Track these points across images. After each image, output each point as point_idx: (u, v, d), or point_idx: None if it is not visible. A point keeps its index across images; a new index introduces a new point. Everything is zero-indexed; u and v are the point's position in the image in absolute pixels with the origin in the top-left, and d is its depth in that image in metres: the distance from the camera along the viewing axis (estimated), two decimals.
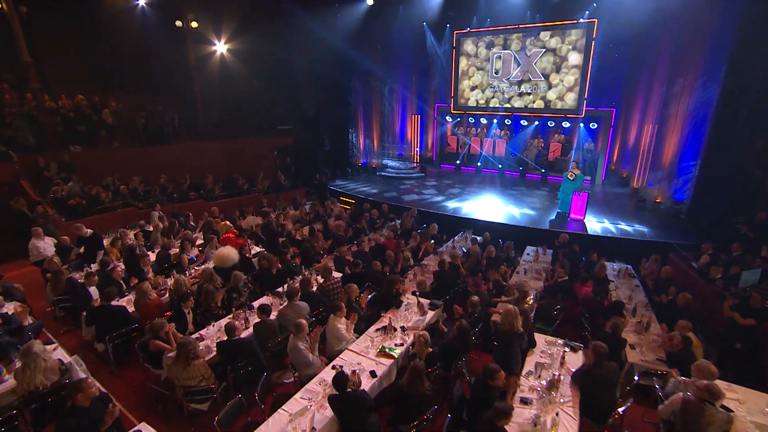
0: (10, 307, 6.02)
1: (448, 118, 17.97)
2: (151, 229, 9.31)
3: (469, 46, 16.71)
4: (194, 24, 14.95)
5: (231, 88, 16.88)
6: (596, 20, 13.72)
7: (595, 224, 10.22)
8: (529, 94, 15.74)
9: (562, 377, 4.30)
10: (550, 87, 15.27)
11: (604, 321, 5.46)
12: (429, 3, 15.72)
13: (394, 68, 17.75)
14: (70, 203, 10.62)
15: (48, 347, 5.02)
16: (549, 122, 15.80)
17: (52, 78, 14.02)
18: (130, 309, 6.01)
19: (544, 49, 15.06)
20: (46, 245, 8.57)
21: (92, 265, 7.55)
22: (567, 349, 4.94)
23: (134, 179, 12.33)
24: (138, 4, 14.40)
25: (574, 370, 4.46)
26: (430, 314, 5.95)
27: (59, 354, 5.08)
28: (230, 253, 6.97)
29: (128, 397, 5.26)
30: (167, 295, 6.34)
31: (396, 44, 16.84)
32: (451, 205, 12.20)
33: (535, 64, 15.33)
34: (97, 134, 13.43)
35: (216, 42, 16.08)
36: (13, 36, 11.39)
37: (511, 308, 4.82)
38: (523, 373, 4.56)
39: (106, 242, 8.64)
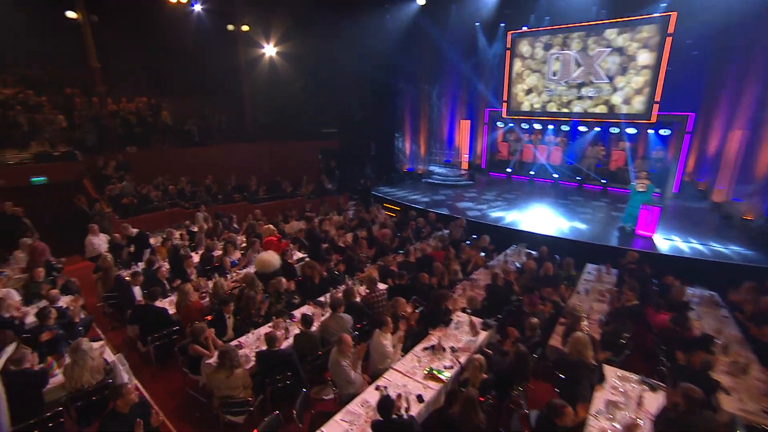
0: (66, 300, 6.28)
1: (499, 123, 17.41)
2: (196, 229, 9.53)
3: (524, 47, 16.12)
4: (245, 27, 15.44)
5: (278, 91, 17.31)
6: (674, 13, 12.63)
7: (666, 242, 9.35)
8: (591, 97, 14.89)
9: (641, 422, 3.78)
10: (614, 90, 14.36)
11: (685, 356, 4.83)
12: (483, 1, 15.34)
13: (443, 71, 17.48)
14: (124, 202, 11.15)
15: (95, 344, 5.15)
16: (612, 128, 14.83)
17: (114, 82, 15.00)
18: (172, 311, 6.08)
19: (609, 49, 14.18)
20: (101, 242, 8.98)
21: (139, 264, 7.77)
22: (645, 387, 4.39)
23: (182, 179, 12.83)
24: (194, 9, 15.05)
25: (654, 413, 3.93)
26: (483, 335, 5.57)
27: (105, 352, 5.19)
28: (272, 258, 6.94)
29: (166, 402, 5.28)
30: (208, 298, 6.36)
31: (446, 46, 16.55)
32: (502, 215, 11.68)
33: (598, 64, 14.49)
34: (151, 136, 14.20)
35: (265, 45, 16.54)
36: (84, 43, 12.28)
37: (581, 336, 4.36)
38: (592, 411, 4.08)
39: (154, 241, 8.95)
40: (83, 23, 12.13)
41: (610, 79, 14.36)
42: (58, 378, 4.74)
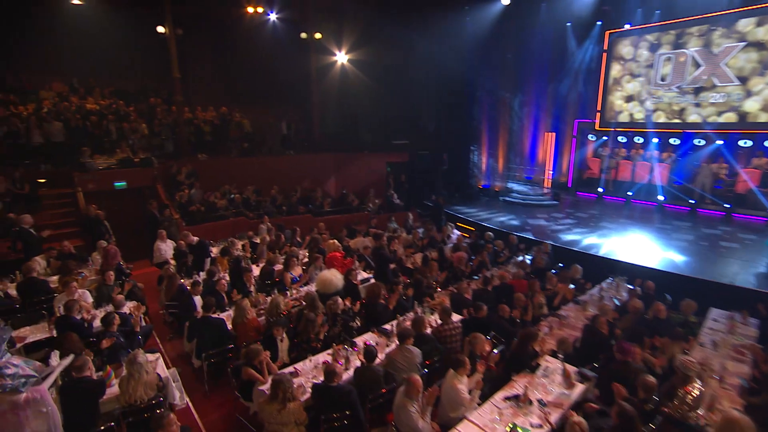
0: (130, 306, 6.51)
1: (590, 136, 16.24)
2: (258, 241, 9.65)
3: (625, 47, 14.90)
4: (318, 35, 15.91)
5: (348, 100, 17.59)
6: None
7: None
8: (713, 104, 13.23)
9: None
10: (748, 94, 12.58)
11: None
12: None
13: (527, 78, 16.75)
14: (191, 209, 11.72)
15: (151, 357, 5.19)
16: (742, 141, 12.98)
17: (192, 92, 16.17)
18: (229, 326, 6.03)
19: (743, 44, 12.42)
20: (168, 248, 9.42)
21: (201, 273, 7.96)
22: None
23: (248, 188, 13.29)
24: (269, 18, 15.82)
25: None
26: (579, 388, 4.84)
27: (159, 367, 5.22)
28: (334, 277, 6.73)
29: (215, 427, 5.17)
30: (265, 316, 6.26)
31: (531, 50, 15.84)
32: (594, 242, 10.64)
33: (725, 64, 12.83)
34: (222, 144, 15.01)
35: (337, 52, 16.90)
36: (168, 55, 13.40)
37: (736, 417, 3.51)
38: None
39: (215, 251, 9.20)
40: (169, 37, 13.21)
41: (743, 81, 12.63)
42: (114, 389, 4.80)
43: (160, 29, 13.34)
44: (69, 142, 11.77)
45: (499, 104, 17.11)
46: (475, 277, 8.25)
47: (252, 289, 7.22)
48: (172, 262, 8.84)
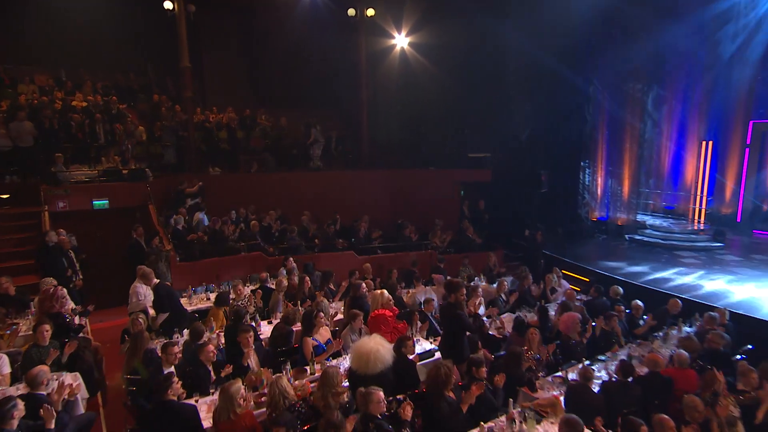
0: (66, 379, 5.70)
1: None
2: (274, 286, 9.15)
3: None
4: (370, 12, 15.52)
5: (409, 97, 17.26)
6: None
7: None
8: None
9: None
10: None
11: None
12: None
13: (667, 64, 15.78)
14: (190, 238, 11.42)
15: None
16: None
17: (207, 87, 16.37)
18: (207, 421, 5.11)
19: None
20: (148, 292, 8.79)
21: (183, 333, 7.34)
22: None
23: (270, 213, 13.02)
24: None
25: None
26: None
27: None
28: (380, 349, 5.66)
29: None
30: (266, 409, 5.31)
31: (676, 24, 14.52)
32: None
33: None
34: (240, 155, 14.95)
35: (395, 34, 16.64)
36: (177, 40, 13.57)
37: None
38: None
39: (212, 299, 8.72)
40: (178, 15, 13.31)
41: None
42: None
43: (168, 4, 13.42)
44: (42, 146, 11.84)
45: (624, 100, 15.93)
46: (602, 358, 7.22)
47: (252, 360, 6.25)
48: (152, 311, 8.29)
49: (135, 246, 10.38)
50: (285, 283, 9.15)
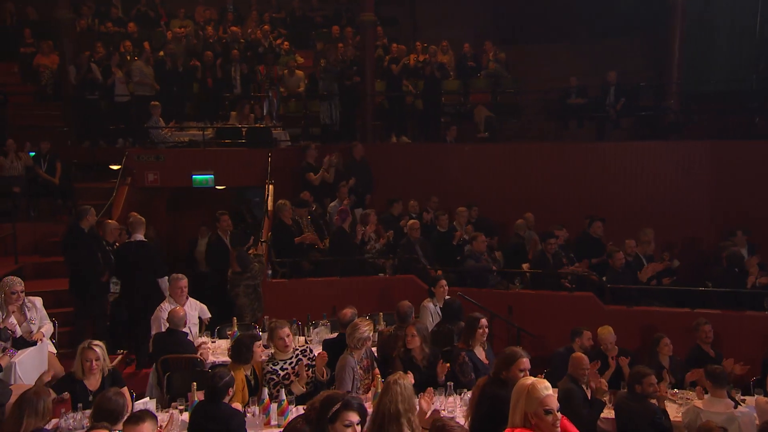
0: None
1: None
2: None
3: None
4: None
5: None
6: None
7: None
8: None
9: None
10: None
11: None
12: None
13: None
14: (299, 240, 7.53)
15: None
16: None
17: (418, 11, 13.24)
18: None
19: None
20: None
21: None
22: None
23: (460, 211, 8.37)
24: None
25: None
26: None
27: None
28: None
29: None
30: None
31: None
32: None
33: None
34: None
35: None
36: None
37: None
38: None
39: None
40: None
41: None
42: None
43: None
44: (163, 97, 9.35)
45: None
46: None
47: None
48: None
49: (215, 243, 7.32)
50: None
